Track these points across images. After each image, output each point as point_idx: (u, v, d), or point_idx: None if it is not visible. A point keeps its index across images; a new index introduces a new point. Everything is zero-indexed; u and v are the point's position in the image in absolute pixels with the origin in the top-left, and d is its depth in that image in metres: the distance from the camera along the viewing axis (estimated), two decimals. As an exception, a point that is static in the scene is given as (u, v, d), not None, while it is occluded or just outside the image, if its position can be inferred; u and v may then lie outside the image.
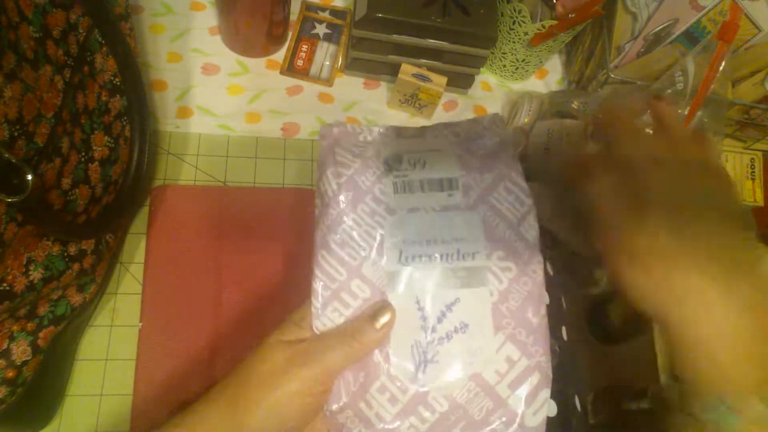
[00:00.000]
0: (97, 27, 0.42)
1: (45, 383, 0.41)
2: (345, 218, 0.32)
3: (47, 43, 0.37)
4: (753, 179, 0.65)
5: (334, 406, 0.30)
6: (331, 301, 0.31)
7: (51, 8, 0.37)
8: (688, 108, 0.53)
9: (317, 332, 0.31)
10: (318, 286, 0.31)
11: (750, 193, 0.65)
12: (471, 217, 0.32)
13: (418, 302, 0.30)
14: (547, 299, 0.32)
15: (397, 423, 0.30)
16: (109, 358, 0.46)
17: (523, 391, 0.30)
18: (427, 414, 0.30)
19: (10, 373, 0.38)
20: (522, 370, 0.30)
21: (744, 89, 0.63)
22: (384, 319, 0.29)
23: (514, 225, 0.32)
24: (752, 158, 0.66)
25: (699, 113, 0.54)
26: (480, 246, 0.31)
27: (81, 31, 0.41)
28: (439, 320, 0.30)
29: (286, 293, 0.50)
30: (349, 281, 0.31)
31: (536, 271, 0.32)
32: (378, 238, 0.31)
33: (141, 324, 0.47)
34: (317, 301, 0.31)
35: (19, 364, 0.38)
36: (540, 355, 0.31)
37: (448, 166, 0.33)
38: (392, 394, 0.30)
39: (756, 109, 0.63)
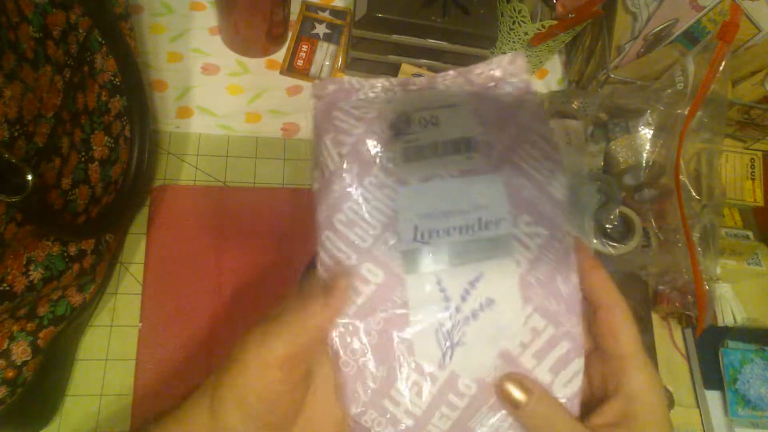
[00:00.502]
0: (97, 27, 0.42)
1: (45, 383, 0.41)
2: (351, 194, 0.28)
3: (47, 43, 0.37)
4: (753, 179, 0.65)
5: (354, 409, 0.27)
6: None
7: (51, 8, 0.37)
8: (688, 108, 0.53)
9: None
10: (323, 271, 0.28)
11: (750, 193, 0.65)
12: (493, 181, 0.28)
13: (439, 283, 0.27)
14: (575, 266, 0.28)
15: (429, 416, 0.27)
16: (109, 358, 0.46)
17: (550, 360, 0.27)
18: (456, 400, 0.27)
19: (10, 373, 0.38)
20: (548, 339, 0.27)
21: (744, 89, 0.63)
22: (337, 293, 0.26)
23: (542, 184, 0.29)
24: (752, 158, 0.66)
25: (699, 113, 0.54)
26: (504, 212, 0.28)
27: (81, 31, 0.41)
28: (463, 299, 0.27)
29: (286, 293, 0.50)
30: (359, 265, 0.27)
31: (568, 233, 0.28)
32: (389, 214, 0.28)
33: (141, 324, 0.47)
34: None
35: (19, 364, 0.38)
36: (571, 324, 0.28)
37: (464, 124, 0.29)
38: (420, 387, 0.27)
39: (756, 109, 0.63)
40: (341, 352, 0.27)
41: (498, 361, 0.27)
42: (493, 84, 0.31)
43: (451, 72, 0.31)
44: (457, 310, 0.27)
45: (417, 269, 0.27)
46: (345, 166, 0.28)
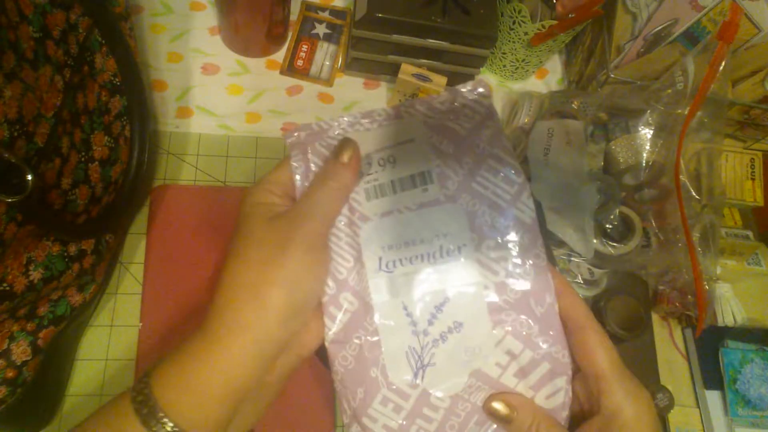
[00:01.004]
0: (97, 27, 0.42)
1: (45, 383, 0.41)
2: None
3: (47, 43, 0.37)
4: (753, 179, 0.65)
5: (344, 419, 0.30)
6: (320, 316, 0.30)
7: (51, 8, 0.37)
8: (688, 108, 0.53)
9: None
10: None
11: (750, 193, 0.65)
12: (451, 210, 0.30)
13: (405, 308, 0.29)
14: (552, 286, 0.30)
15: (405, 430, 0.29)
16: (109, 358, 0.46)
17: (531, 380, 0.29)
18: (431, 414, 0.29)
19: (10, 373, 0.38)
20: (527, 362, 0.29)
21: (744, 89, 0.63)
22: (348, 152, 0.29)
23: (505, 209, 0.30)
24: (752, 158, 0.66)
25: (699, 113, 0.54)
26: (466, 238, 0.29)
27: (81, 31, 0.41)
28: (430, 322, 0.29)
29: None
30: (338, 294, 0.30)
31: (538, 255, 0.29)
32: (358, 248, 0.30)
33: (141, 324, 0.47)
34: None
35: (19, 364, 0.38)
36: (549, 345, 0.29)
37: (420, 159, 0.31)
38: (395, 404, 0.29)
39: (756, 109, 0.63)
40: (332, 369, 0.30)
41: (471, 379, 0.29)
42: (453, 114, 0.32)
43: (415, 101, 0.33)
44: (425, 333, 0.29)
45: (383, 297, 0.29)
46: None
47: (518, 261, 0.29)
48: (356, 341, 0.29)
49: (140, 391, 0.26)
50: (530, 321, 0.29)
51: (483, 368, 0.29)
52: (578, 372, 0.30)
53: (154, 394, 0.25)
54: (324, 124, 0.32)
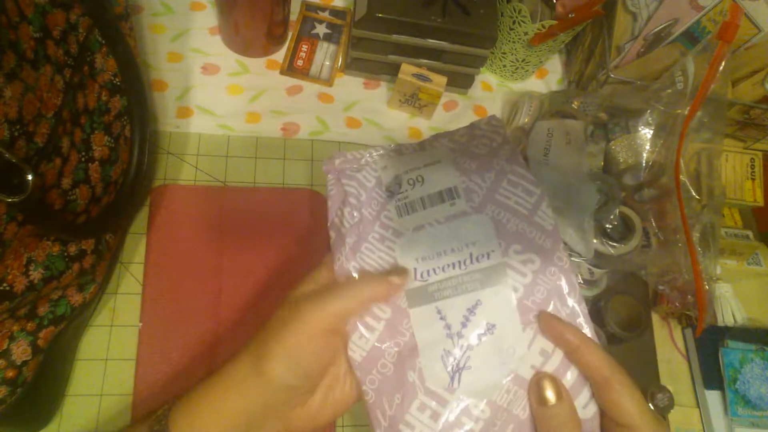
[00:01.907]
0: (97, 27, 0.42)
1: (45, 383, 0.41)
2: (360, 247, 0.33)
3: (47, 43, 0.37)
4: (753, 179, 0.65)
5: None
6: (357, 326, 0.32)
7: (51, 8, 0.37)
8: (688, 108, 0.53)
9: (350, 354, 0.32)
10: None
11: (750, 193, 0.65)
12: (478, 220, 0.32)
13: (439, 312, 0.31)
14: (577, 287, 0.31)
15: None
16: (109, 358, 0.46)
17: (567, 383, 0.29)
18: (471, 424, 0.29)
19: (10, 373, 0.38)
20: (559, 362, 0.30)
21: (744, 89, 0.63)
22: (395, 278, 0.30)
23: (527, 216, 0.32)
24: (752, 158, 0.66)
25: (699, 113, 0.54)
26: (493, 245, 0.31)
27: (81, 31, 0.41)
28: (464, 325, 0.30)
29: (286, 293, 0.50)
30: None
31: (562, 258, 0.31)
32: (390, 261, 0.32)
33: (141, 324, 0.47)
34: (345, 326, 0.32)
35: (19, 364, 0.38)
36: None
37: (446, 176, 0.34)
38: (433, 410, 0.29)
39: (756, 109, 0.63)
40: (362, 383, 0.31)
41: (508, 383, 0.30)
42: (473, 142, 0.36)
43: (437, 134, 0.37)
44: (459, 335, 0.30)
45: (419, 303, 0.31)
46: (354, 225, 0.33)
47: (543, 264, 0.31)
48: (395, 348, 0.31)
49: (158, 422, 0.30)
50: None
51: (519, 371, 0.30)
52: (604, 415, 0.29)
53: (170, 426, 0.30)
54: (358, 154, 0.36)
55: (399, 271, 0.31)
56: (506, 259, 0.31)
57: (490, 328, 0.30)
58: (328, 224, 0.36)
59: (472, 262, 0.31)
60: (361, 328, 0.31)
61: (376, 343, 0.31)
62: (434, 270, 0.31)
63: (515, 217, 0.32)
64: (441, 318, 0.30)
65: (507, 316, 0.30)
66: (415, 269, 0.32)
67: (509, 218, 0.32)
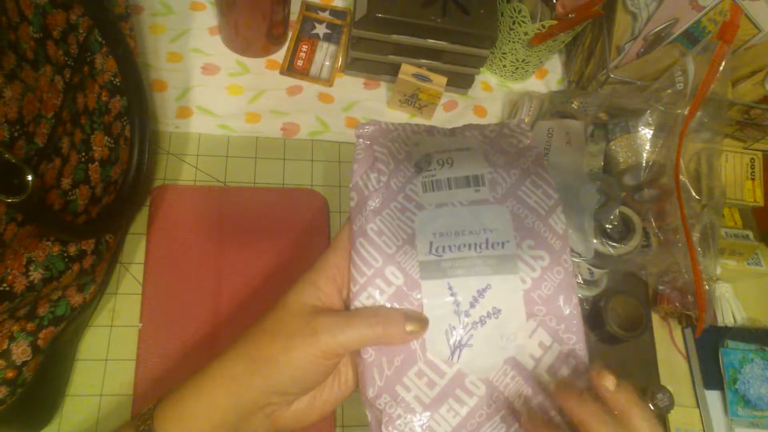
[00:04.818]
0: (97, 27, 0.42)
1: (45, 383, 0.41)
2: (381, 210, 0.34)
3: (47, 43, 0.37)
4: (753, 179, 0.65)
5: (370, 392, 0.31)
6: (367, 286, 0.32)
7: (51, 8, 0.37)
8: (688, 108, 0.53)
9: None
10: (355, 271, 0.33)
11: (750, 193, 0.65)
12: (499, 210, 0.33)
13: (450, 288, 0.32)
14: (577, 289, 0.32)
15: (436, 406, 0.31)
16: (109, 358, 0.46)
17: (563, 375, 0.31)
18: (465, 397, 0.31)
19: (10, 373, 0.38)
20: (557, 356, 0.31)
21: (744, 89, 0.63)
22: (414, 326, 0.30)
23: (543, 217, 0.34)
24: (752, 158, 0.66)
25: (699, 113, 0.54)
26: (509, 236, 0.33)
27: (81, 31, 0.41)
28: (472, 305, 0.31)
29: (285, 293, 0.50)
30: (384, 267, 0.32)
31: (567, 261, 0.33)
32: (409, 232, 0.33)
33: (141, 324, 0.47)
34: (354, 286, 0.32)
35: (19, 364, 0.38)
36: (573, 342, 0.32)
37: (474, 164, 0.35)
38: (429, 378, 0.31)
39: (756, 109, 0.63)
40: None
41: (506, 366, 0.31)
42: (502, 138, 0.38)
43: (469, 125, 0.38)
44: (466, 314, 0.31)
45: (431, 276, 0.32)
46: (379, 190, 0.34)
47: (551, 263, 0.32)
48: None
49: (144, 421, 0.30)
50: (558, 318, 0.32)
51: (518, 357, 0.31)
52: None
53: (155, 426, 0.30)
54: (392, 125, 0.37)
55: (418, 318, 0.31)
56: (519, 251, 0.32)
57: (496, 312, 0.31)
58: (351, 185, 0.36)
59: (487, 247, 0.32)
60: (370, 289, 0.32)
61: (385, 305, 0.32)
62: (449, 247, 0.32)
63: (533, 214, 0.34)
64: (452, 294, 0.31)
65: (513, 304, 0.31)
66: (431, 243, 0.33)
67: (527, 214, 0.33)
